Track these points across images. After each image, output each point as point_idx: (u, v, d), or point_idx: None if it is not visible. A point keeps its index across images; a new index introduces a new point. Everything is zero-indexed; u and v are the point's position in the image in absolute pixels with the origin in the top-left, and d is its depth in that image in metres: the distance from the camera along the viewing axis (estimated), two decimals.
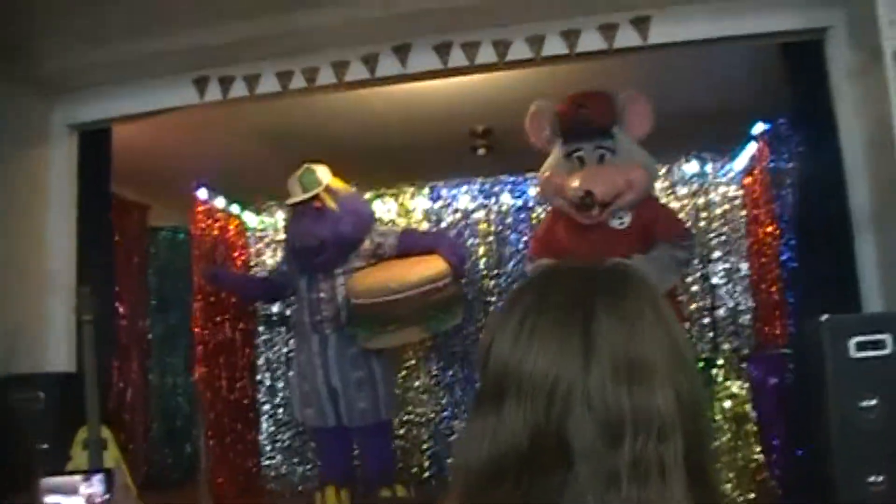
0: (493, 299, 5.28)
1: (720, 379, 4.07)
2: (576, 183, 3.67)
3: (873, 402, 3.15)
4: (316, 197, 4.41)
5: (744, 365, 4.19)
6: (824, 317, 3.30)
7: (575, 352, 0.91)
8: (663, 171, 5.07)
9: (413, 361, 5.36)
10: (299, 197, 4.43)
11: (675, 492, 0.87)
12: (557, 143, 3.95)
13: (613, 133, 3.75)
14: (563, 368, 0.90)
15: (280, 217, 5.60)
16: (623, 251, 3.45)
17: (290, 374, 4.79)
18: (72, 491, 1.73)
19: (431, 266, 4.44)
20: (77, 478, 1.75)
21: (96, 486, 1.74)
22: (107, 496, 1.68)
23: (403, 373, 5.34)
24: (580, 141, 3.81)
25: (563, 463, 0.90)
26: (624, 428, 0.87)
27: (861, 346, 3.19)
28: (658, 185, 5.02)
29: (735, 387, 4.08)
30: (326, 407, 4.44)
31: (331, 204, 4.43)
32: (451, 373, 5.31)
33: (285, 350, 5.45)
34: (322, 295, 4.46)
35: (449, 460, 5.14)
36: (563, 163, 3.85)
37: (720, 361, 4.16)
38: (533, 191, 5.25)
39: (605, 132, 3.75)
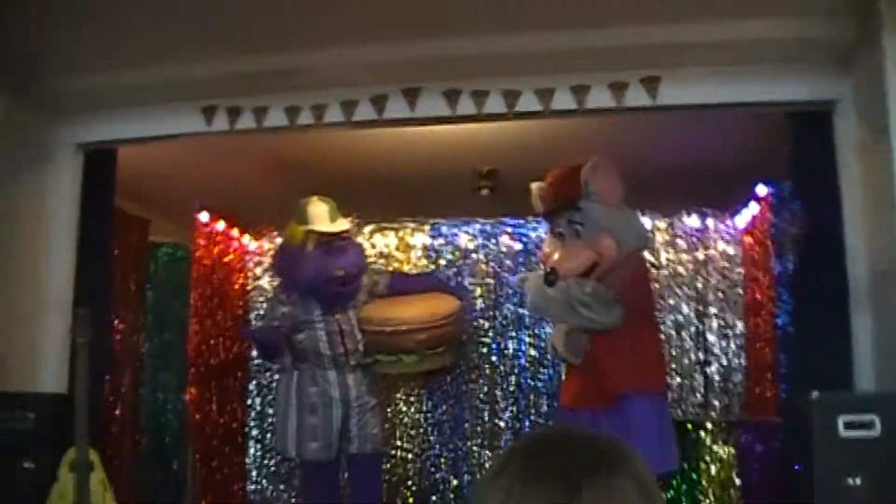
0: (488, 340, 5.30)
1: (707, 443, 4.06)
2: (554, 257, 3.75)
3: (858, 481, 3.16)
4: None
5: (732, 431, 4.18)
6: (815, 394, 3.29)
7: None
8: (663, 224, 5.09)
9: (403, 398, 5.35)
10: (335, 228, 4.39)
11: None
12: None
13: (581, 206, 3.73)
14: None
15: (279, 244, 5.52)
16: None
17: (282, 408, 4.55)
18: None
19: (449, 301, 4.63)
20: None
21: None
22: None
23: (392, 408, 5.33)
24: (554, 218, 3.86)
25: None
26: None
27: (849, 426, 3.20)
28: (658, 237, 5.06)
29: (722, 452, 4.07)
30: (334, 439, 4.42)
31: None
32: (441, 411, 5.30)
33: (277, 377, 5.40)
34: (343, 327, 4.45)
35: (433, 497, 5.16)
36: (552, 240, 3.89)
37: (708, 425, 4.16)
38: (534, 234, 5.27)
39: (573, 207, 3.76)
